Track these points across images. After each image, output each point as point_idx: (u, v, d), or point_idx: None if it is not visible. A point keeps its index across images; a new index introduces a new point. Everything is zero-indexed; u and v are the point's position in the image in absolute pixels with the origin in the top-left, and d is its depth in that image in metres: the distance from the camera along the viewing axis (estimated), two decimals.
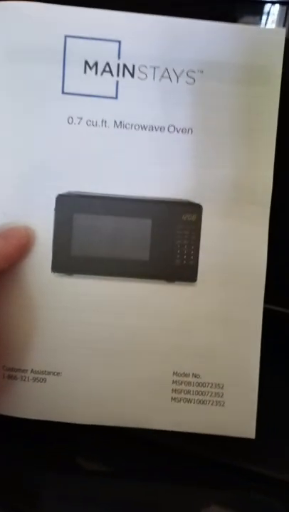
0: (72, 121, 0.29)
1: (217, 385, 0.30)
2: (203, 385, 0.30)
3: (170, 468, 0.34)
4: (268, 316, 0.31)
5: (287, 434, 0.34)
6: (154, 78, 0.29)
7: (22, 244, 0.29)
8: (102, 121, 0.29)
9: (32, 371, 0.30)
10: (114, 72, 0.29)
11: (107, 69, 0.29)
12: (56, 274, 0.30)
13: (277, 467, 0.33)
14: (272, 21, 0.34)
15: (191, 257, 0.30)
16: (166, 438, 0.32)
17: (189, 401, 0.30)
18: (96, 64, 0.29)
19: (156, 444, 0.33)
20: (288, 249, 0.34)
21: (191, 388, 0.30)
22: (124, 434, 0.31)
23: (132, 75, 0.29)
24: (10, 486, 0.32)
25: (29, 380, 0.30)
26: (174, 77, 0.29)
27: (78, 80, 0.29)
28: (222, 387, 0.30)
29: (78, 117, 0.29)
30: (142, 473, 0.34)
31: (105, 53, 0.29)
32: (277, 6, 0.33)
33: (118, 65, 0.29)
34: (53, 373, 0.30)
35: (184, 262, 0.30)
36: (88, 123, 0.29)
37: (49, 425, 0.30)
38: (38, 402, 0.30)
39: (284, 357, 0.35)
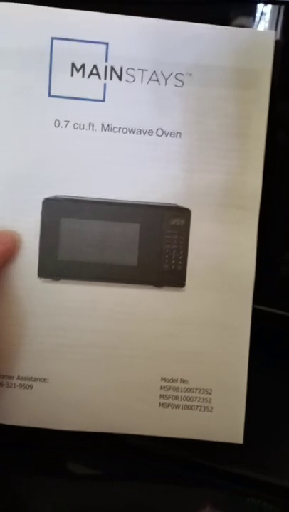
0: (59, 125, 0.29)
1: (205, 391, 0.30)
2: (191, 390, 0.30)
3: (159, 472, 0.34)
4: (256, 317, 0.30)
5: (275, 439, 0.34)
6: (142, 81, 0.29)
7: (7, 249, 0.29)
8: (90, 124, 0.29)
9: (18, 378, 0.30)
10: (102, 74, 0.29)
11: (95, 71, 0.29)
12: (43, 279, 0.30)
13: (267, 471, 0.33)
14: (265, 22, 0.33)
15: (180, 262, 0.30)
16: (155, 443, 0.32)
17: (177, 407, 0.30)
18: (83, 66, 0.29)
19: (145, 449, 0.33)
20: (277, 251, 0.34)
21: (179, 394, 0.30)
22: (113, 438, 0.31)
23: (120, 78, 0.29)
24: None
25: (15, 387, 0.30)
26: (162, 80, 0.29)
27: (65, 82, 0.29)
28: (210, 393, 0.30)
29: (65, 120, 0.29)
30: (132, 478, 0.34)
31: (92, 55, 0.28)
32: (269, 7, 0.33)
33: (106, 67, 0.29)
34: (40, 380, 0.30)
35: (173, 266, 0.30)
36: (75, 126, 0.29)
37: (37, 430, 0.30)
38: (25, 409, 0.30)
39: (272, 360, 0.35)
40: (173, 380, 0.30)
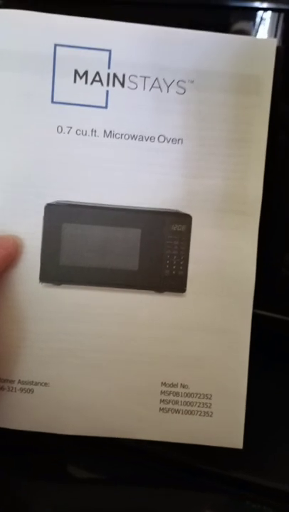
0: (61, 131, 0.29)
1: (205, 396, 0.30)
2: (191, 395, 0.30)
3: (160, 476, 0.34)
4: (256, 321, 0.31)
5: (275, 443, 0.34)
6: (144, 88, 0.29)
7: (9, 254, 0.29)
8: (92, 130, 0.29)
9: (19, 382, 0.30)
10: (104, 81, 0.29)
11: (97, 78, 0.29)
12: (44, 284, 0.30)
13: (267, 475, 0.33)
14: (265, 29, 0.34)
15: (181, 268, 0.30)
16: (156, 447, 0.32)
17: (177, 411, 0.30)
18: (86, 73, 0.29)
19: (145, 453, 0.33)
20: (277, 255, 0.34)
21: (179, 399, 0.30)
22: (114, 442, 0.31)
23: (122, 85, 0.29)
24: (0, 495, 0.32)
25: (16, 391, 0.30)
26: (164, 87, 0.29)
27: (68, 89, 0.29)
28: (210, 398, 0.30)
29: (68, 126, 0.29)
30: (132, 482, 0.34)
31: (95, 62, 0.29)
32: (269, 13, 0.33)
33: (108, 74, 0.29)
34: (41, 384, 0.30)
35: (174, 272, 0.30)
36: (78, 132, 0.29)
37: (38, 434, 0.30)
38: (26, 413, 0.30)
39: (272, 365, 0.35)
40: (173, 385, 0.30)
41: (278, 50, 0.29)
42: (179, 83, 0.29)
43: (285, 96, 0.31)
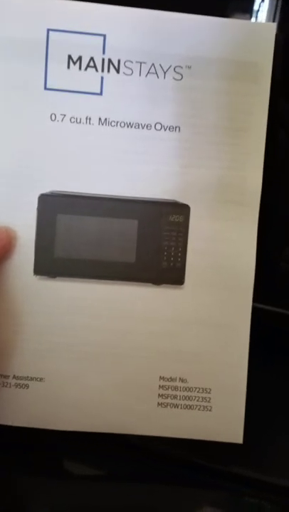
0: (55, 118, 0.28)
1: (204, 390, 0.30)
2: (190, 389, 0.30)
3: (159, 472, 0.33)
4: (255, 315, 0.30)
5: (275, 438, 0.34)
6: (140, 74, 0.28)
7: (3, 246, 0.28)
8: (87, 118, 0.28)
9: (14, 377, 0.29)
10: (99, 67, 0.28)
11: (92, 64, 0.28)
12: (38, 276, 0.29)
13: (266, 470, 0.33)
14: (263, 15, 0.33)
15: (179, 259, 0.29)
16: (155, 443, 0.32)
17: (176, 406, 0.30)
18: (80, 59, 0.28)
19: (144, 449, 0.33)
20: (276, 248, 0.33)
21: (177, 393, 0.30)
22: (112, 438, 0.31)
23: (118, 71, 0.28)
24: None
25: (11, 386, 0.29)
26: (160, 73, 0.28)
27: (61, 75, 0.28)
28: (209, 392, 0.30)
29: (61, 114, 0.28)
30: (131, 478, 0.33)
31: (90, 48, 0.28)
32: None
33: (103, 60, 0.28)
34: (36, 379, 0.29)
35: (171, 264, 0.30)
36: (72, 120, 0.28)
37: (37, 431, 0.30)
38: (21, 409, 0.29)
39: (271, 358, 0.35)
40: (172, 380, 0.30)
41: (277, 36, 0.29)
42: (176, 69, 0.28)
43: (286, 85, 0.30)
